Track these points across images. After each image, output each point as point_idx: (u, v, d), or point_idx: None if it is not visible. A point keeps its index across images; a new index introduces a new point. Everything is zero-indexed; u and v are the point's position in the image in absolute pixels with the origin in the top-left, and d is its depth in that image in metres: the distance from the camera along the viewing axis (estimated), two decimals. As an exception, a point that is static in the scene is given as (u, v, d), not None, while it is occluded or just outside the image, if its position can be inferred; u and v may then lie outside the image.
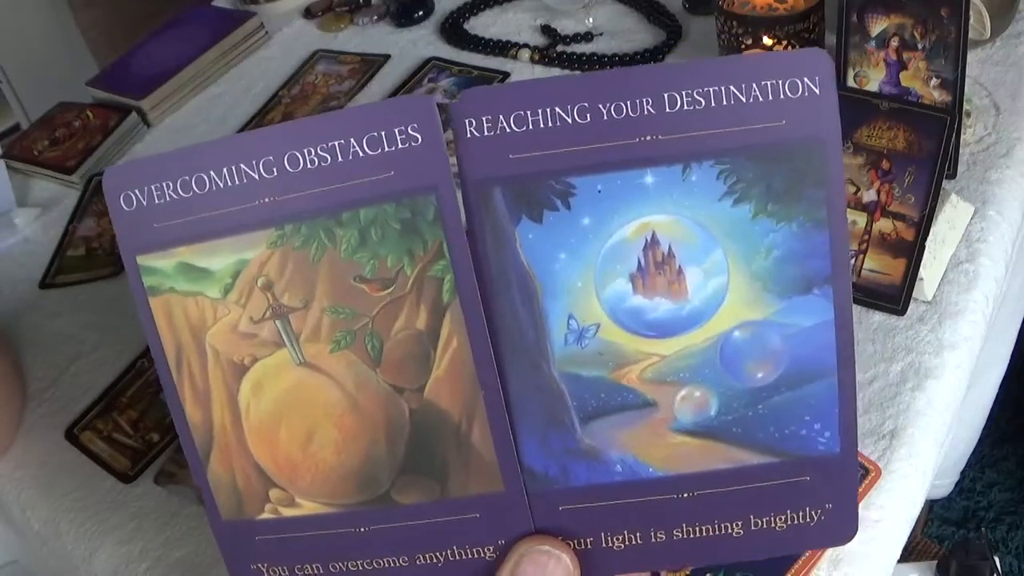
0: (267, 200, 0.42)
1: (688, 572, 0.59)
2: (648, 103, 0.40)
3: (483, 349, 0.42)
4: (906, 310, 0.77)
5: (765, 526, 0.44)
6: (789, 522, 0.44)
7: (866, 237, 0.78)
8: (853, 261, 0.78)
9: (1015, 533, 1.52)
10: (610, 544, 0.45)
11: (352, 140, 0.41)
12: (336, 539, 0.45)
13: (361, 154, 0.41)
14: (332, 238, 0.42)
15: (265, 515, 0.45)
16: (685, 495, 0.44)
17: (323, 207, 0.42)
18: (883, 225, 0.77)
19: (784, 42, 0.92)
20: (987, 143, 0.89)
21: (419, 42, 1.24)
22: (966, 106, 0.87)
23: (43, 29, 2.05)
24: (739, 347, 0.43)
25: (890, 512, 0.67)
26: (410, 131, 0.41)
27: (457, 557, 0.45)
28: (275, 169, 0.41)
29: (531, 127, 0.41)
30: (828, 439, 0.43)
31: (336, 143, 0.41)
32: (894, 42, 0.85)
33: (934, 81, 0.85)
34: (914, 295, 0.77)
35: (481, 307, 0.42)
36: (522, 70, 1.15)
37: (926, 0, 0.82)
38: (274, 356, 0.44)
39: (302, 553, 0.46)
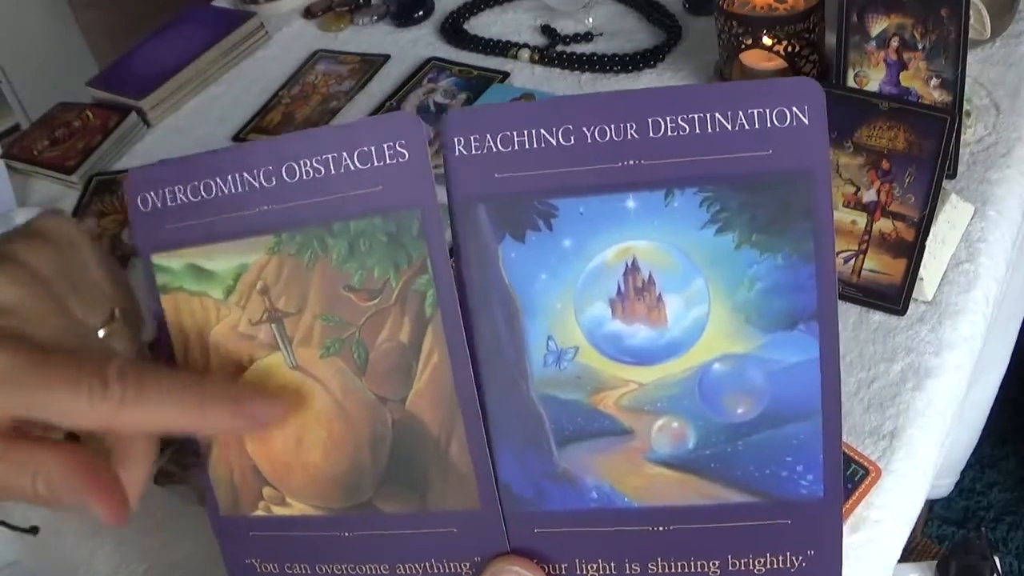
0: (266, 208, 0.44)
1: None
2: (632, 127, 0.40)
3: (463, 365, 0.43)
4: (906, 310, 0.77)
5: (743, 568, 0.43)
6: (769, 566, 0.43)
7: (866, 237, 0.78)
8: (853, 261, 0.78)
9: (1015, 533, 1.51)
10: (584, 571, 0.44)
11: (344, 154, 0.42)
12: (323, 541, 0.46)
13: (352, 167, 0.42)
14: (324, 247, 0.44)
15: (259, 512, 0.47)
16: (660, 528, 0.43)
17: (317, 217, 0.43)
18: (883, 225, 0.77)
19: (784, 42, 0.91)
20: (987, 143, 0.88)
21: (419, 42, 1.23)
22: (966, 106, 0.86)
23: (43, 29, 2.06)
24: (719, 380, 0.42)
25: (890, 512, 0.66)
26: (398, 147, 0.42)
27: (435, 570, 0.45)
28: (274, 178, 0.43)
29: (517, 147, 0.41)
30: (811, 482, 0.42)
31: (330, 156, 0.43)
32: (894, 42, 0.84)
33: (934, 81, 0.84)
34: (914, 295, 0.77)
35: (462, 323, 0.43)
36: (522, 70, 1.13)
37: (926, 0, 0.82)
38: (269, 358, 0.45)
39: (292, 552, 0.47)
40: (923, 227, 0.76)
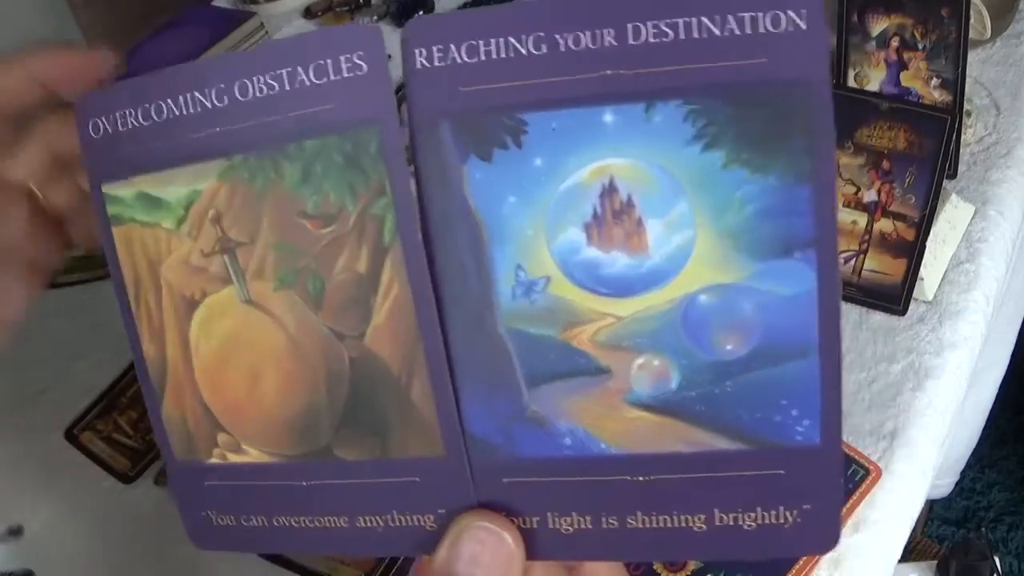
0: (218, 129, 0.40)
1: (690, 572, 0.54)
2: (610, 34, 0.36)
3: (424, 297, 0.39)
4: (906, 310, 0.77)
5: (732, 523, 0.39)
6: (760, 521, 0.39)
7: (866, 237, 0.78)
8: (854, 261, 0.77)
9: (1015, 533, 1.51)
10: (557, 525, 0.40)
11: (299, 68, 0.39)
12: (280, 491, 0.43)
13: (307, 83, 0.39)
14: (278, 170, 0.40)
15: (214, 459, 0.44)
16: (640, 478, 0.39)
17: (270, 138, 0.40)
18: (883, 225, 0.77)
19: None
20: (987, 143, 0.88)
21: (419, 42, 1.23)
22: (966, 106, 0.85)
23: (43, 29, 2.05)
24: (705, 313, 0.38)
25: (890, 512, 0.66)
26: (356, 60, 0.38)
27: (398, 523, 0.42)
28: (226, 97, 0.40)
29: (483, 57, 0.38)
30: (807, 428, 0.38)
31: (284, 71, 0.39)
32: (894, 42, 0.85)
33: (934, 81, 0.84)
34: (914, 295, 0.77)
35: (423, 251, 0.39)
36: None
37: (926, 0, 0.81)
38: (222, 292, 0.42)
39: (248, 503, 0.44)
40: (923, 227, 0.76)
